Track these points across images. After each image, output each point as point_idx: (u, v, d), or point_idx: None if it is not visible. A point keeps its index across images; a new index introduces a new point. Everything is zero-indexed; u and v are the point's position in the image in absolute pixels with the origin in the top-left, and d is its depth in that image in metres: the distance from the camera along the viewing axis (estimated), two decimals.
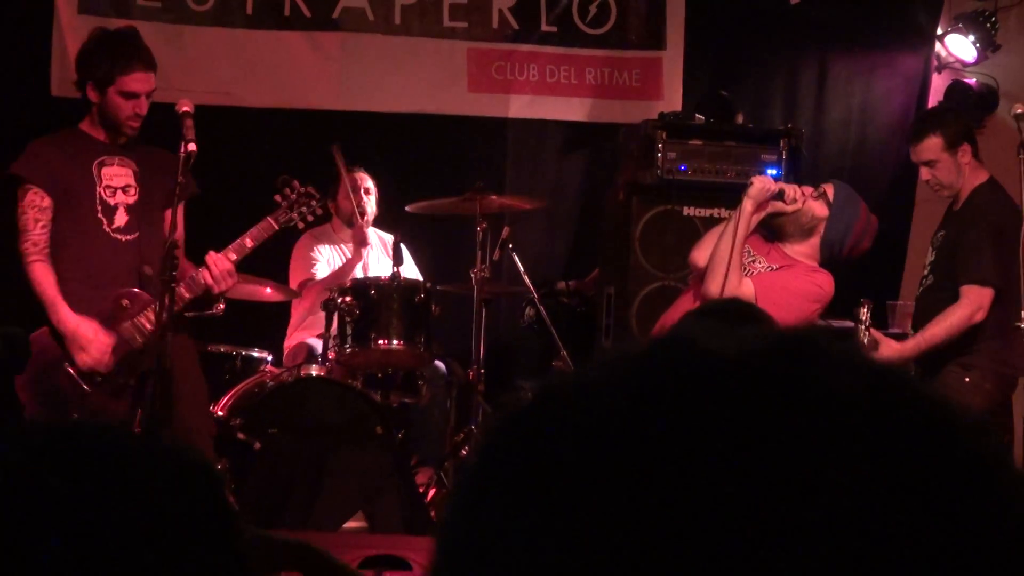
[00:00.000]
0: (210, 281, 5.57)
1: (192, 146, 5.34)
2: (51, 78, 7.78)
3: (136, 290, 5.62)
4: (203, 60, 8.02)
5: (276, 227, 5.80)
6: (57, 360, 5.54)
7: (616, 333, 7.00)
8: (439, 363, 6.92)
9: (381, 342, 6.31)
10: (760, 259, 5.68)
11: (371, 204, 7.40)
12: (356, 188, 7.31)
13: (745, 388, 0.74)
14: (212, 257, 5.60)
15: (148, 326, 5.54)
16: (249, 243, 5.72)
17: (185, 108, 5.44)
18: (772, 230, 5.74)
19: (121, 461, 1.19)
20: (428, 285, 6.50)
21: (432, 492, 6.42)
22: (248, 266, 6.16)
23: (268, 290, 6.71)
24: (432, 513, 6.14)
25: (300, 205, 5.86)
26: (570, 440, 0.74)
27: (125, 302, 5.60)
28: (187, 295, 5.56)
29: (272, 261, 7.04)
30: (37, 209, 5.58)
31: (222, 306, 5.73)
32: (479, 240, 6.56)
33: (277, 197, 5.86)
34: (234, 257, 5.66)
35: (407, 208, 6.84)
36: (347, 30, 8.20)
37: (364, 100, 8.21)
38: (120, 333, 5.58)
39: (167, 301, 5.23)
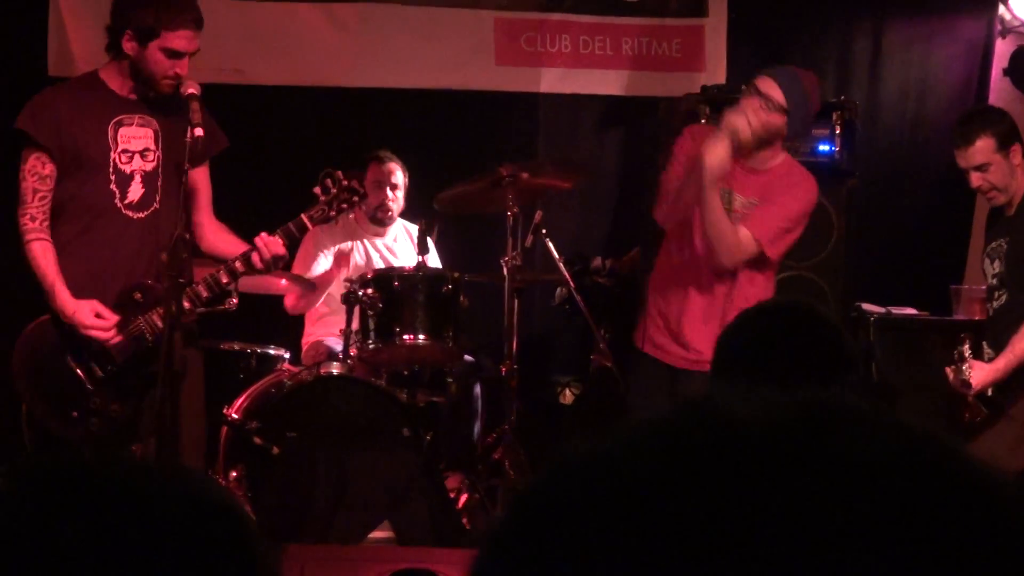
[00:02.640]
0: (260, 265, 5.38)
1: (199, 131, 5.17)
2: (48, 57, 7.69)
3: (150, 282, 5.41)
4: (211, 35, 7.74)
5: (310, 225, 5.56)
6: (58, 352, 5.39)
7: None
8: (469, 358, 6.79)
9: (406, 337, 6.18)
10: (735, 195, 5.54)
11: (399, 201, 7.29)
12: (378, 181, 7.21)
13: (774, 463, 0.76)
14: (264, 239, 5.37)
15: (160, 323, 5.28)
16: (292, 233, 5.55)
17: (191, 90, 5.25)
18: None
19: (140, 505, 1.13)
20: (456, 275, 6.37)
21: (463, 498, 6.29)
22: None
23: (283, 282, 6.59)
24: (464, 521, 6.02)
25: (341, 201, 5.59)
26: (592, 518, 0.77)
27: (137, 295, 5.40)
28: (204, 294, 5.39)
29: (288, 251, 6.94)
30: (37, 177, 5.37)
31: (235, 301, 5.59)
32: (510, 226, 6.42)
33: (317, 190, 5.58)
34: (284, 241, 5.49)
35: (434, 204, 6.68)
36: (366, 1, 8.08)
37: (384, 76, 8.09)
38: (130, 330, 5.39)
39: (176, 300, 5.04)
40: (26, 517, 1.11)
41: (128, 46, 5.35)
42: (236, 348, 6.45)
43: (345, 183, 5.57)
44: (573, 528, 0.77)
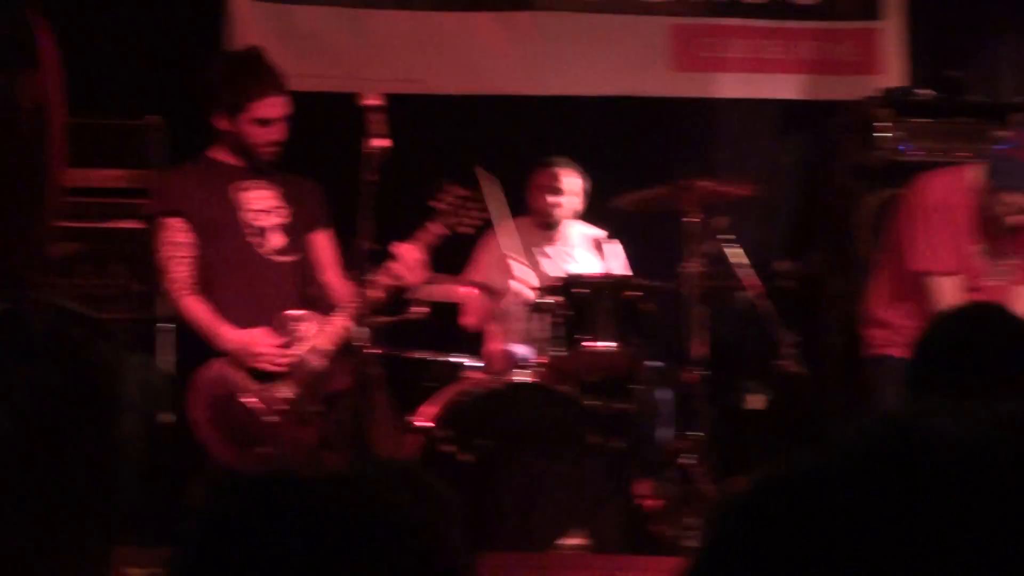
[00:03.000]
0: (403, 272, 5.41)
1: (382, 142, 5.24)
2: None
3: (304, 312, 5.51)
4: (386, 46, 8.00)
5: (443, 231, 5.59)
6: (232, 394, 5.45)
7: (840, 327, 6.82)
8: (656, 364, 6.74)
9: (594, 344, 6.17)
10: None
11: (568, 203, 7.28)
12: (544, 185, 7.22)
13: (978, 479, 0.74)
14: (401, 247, 5.44)
15: (327, 347, 5.42)
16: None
17: (373, 101, 5.31)
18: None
19: (346, 519, 1.16)
20: (641, 282, 6.35)
21: (653, 505, 6.24)
22: (445, 263, 6.09)
23: (468, 290, 6.61)
24: (654, 528, 5.99)
25: (462, 209, 5.62)
26: (793, 532, 0.77)
27: (292, 323, 5.51)
28: (386, 281, 5.45)
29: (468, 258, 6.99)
30: (172, 245, 5.50)
31: (425, 309, 5.64)
32: (691, 232, 6.38)
33: (435, 202, 5.61)
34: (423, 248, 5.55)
35: (613, 204, 6.67)
36: (540, 9, 8.10)
37: (560, 84, 8.10)
38: (300, 359, 5.46)
39: (365, 308, 5.10)
40: (243, 531, 1.14)
41: (221, 123, 5.54)
42: (423, 357, 6.46)
43: (462, 194, 5.61)
44: (779, 546, 0.77)
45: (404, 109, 6.76)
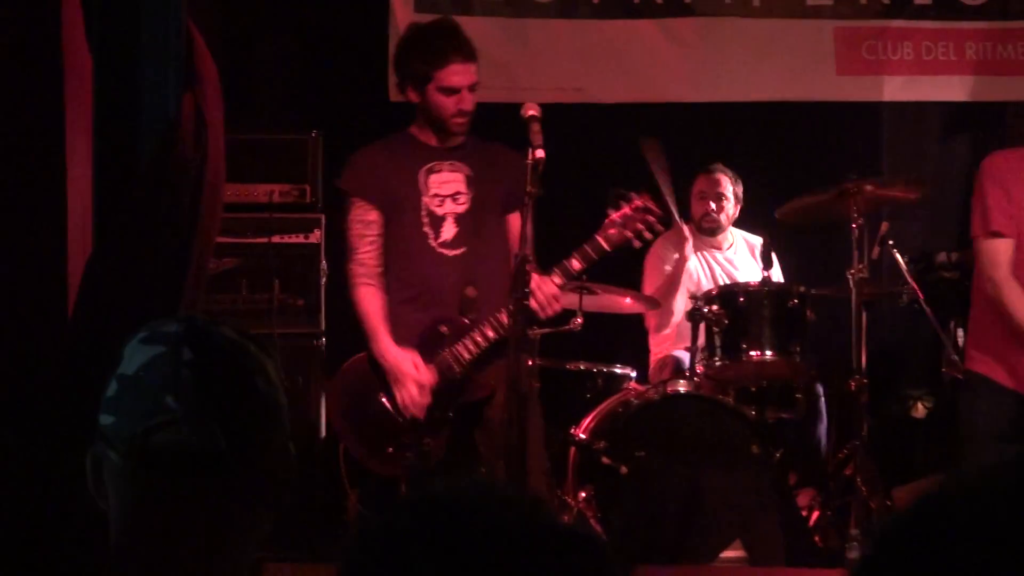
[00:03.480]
0: (535, 307, 5.22)
1: (540, 152, 5.03)
2: (389, 83, 7.89)
3: (455, 316, 5.47)
4: (549, 55, 8.04)
5: (607, 247, 5.42)
6: (372, 390, 5.48)
7: None
8: (817, 373, 6.69)
9: (753, 353, 6.16)
10: None
11: (727, 208, 7.27)
12: (703, 192, 7.24)
13: None
14: (536, 281, 5.19)
15: (466, 355, 5.40)
16: (576, 264, 5.40)
17: (531, 112, 5.15)
18: None
19: (506, 538, 1.17)
20: (801, 289, 6.30)
21: (815, 515, 6.17)
22: (605, 273, 6.09)
23: (627, 300, 6.63)
24: (816, 539, 5.94)
25: (635, 221, 5.44)
26: (953, 554, 0.77)
27: (444, 328, 5.46)
28: (491, 334, 5.41)
29: (630, 268, 6.98)
30: (362, 224, 5.52)
31: (579, 320, 5.63)
32: (855, 238, 6.28)
33: (609, 211, 5.48)
34: (559, 281, 5.37)
35: (776, 214, 6.62)
36: (703, 15, 8.09)
37: (723, 90, 8.09)
38: (437, 363, 5.44)
39: (518, 322, 4.97)
40: (410, 552, 1.15)
41: (413, 96, 5.51)
42: (582, 368, 6.48)
43: (638, 203, 5.46)
44: (937, 567, 0.78)
45: (564, 118, 6.81)
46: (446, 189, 5.52)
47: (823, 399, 6.85)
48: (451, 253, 5.49)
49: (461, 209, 5.51)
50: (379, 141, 5.72)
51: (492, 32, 7.93)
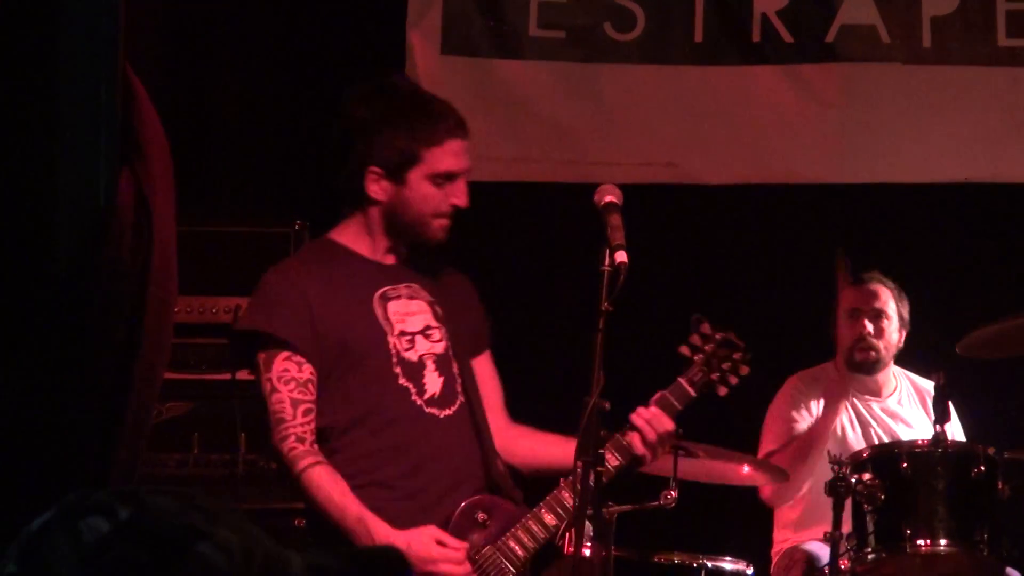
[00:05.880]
0: (641, 450, 5.28)
1: (622, 255, 4.92)
2: None
3: (492, 496, 5.36)
4: (631, 115, 8.10)
5: (693, 393, 5.43)
6: None
7: None
8: (1013, 572, 6.69)
9: (920, 542, 6.16)
10: None
11: (889, 334, 7.29)
12: (855, 310, 7.26)
13: None
14: (645, 415, 5.29)
15: (521, 553, 5.24)
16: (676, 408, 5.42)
17: (609, 198, 5.09)
18: None
19: None
20: (990, 452, 6.31)
21: None
22: (710, 427, 6.11)
23: (745, 469, 6.63)
24: None
25: (719, 360, 5.50)
26: None
27: (482, 515, 5.31)
28: (614, 463, 5.36)
29: (751, 417, 7.01)
30: (294, 385, 5.28)
31: (673, 494, 5.65)
32: None
33: (684, 349, 5.51)
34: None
35: (956, 348, 6.64)
36: (848, 60, 8.18)
37: (879, 167, 8.15)
38: (478, 561, 5.27)
39: (590, 489, 4.90)
40: None
41: (376, 188, 5.35)
42: (677, 561, 6.48)
43: (717, 336, 5.52)
44: None
45: (650, 204, 6.86)
46: (412, 324, 5.44)
47: None
48: (444, 413, 5.39)
49: (440, 349, 5.44)
50: (292, 261, 5.68)
51: (550, 83, 8.02)
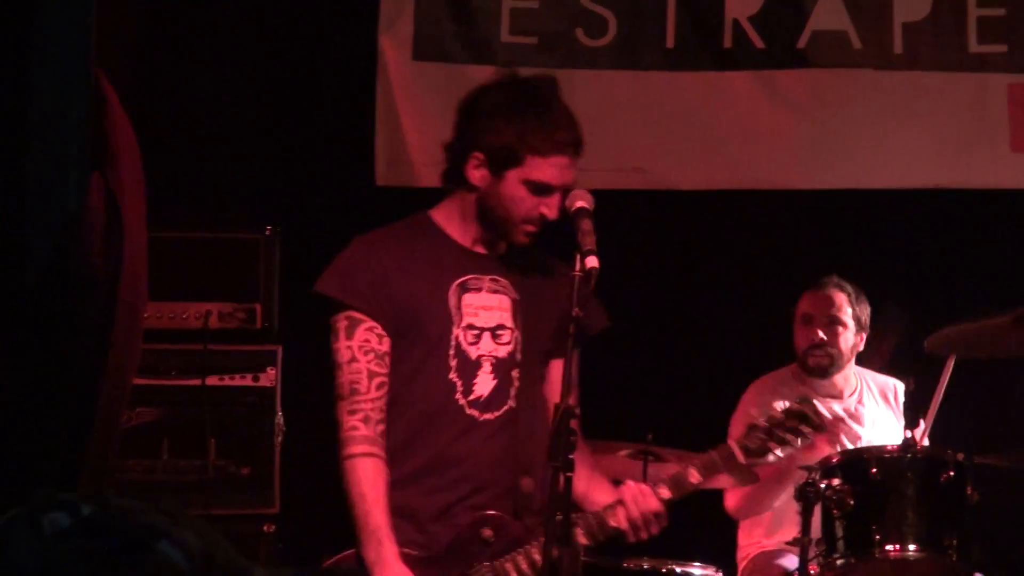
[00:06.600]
0: (624, 526, 5.17)
1: (592, 261, 4.88)
2: (376, 159, 7.97)
3: (504, 516, 5.22)
4: (602, 121, 8.05)
5: (743, 459, 5.35)
6: None
7: None
8: None
9: (890, 548, 6.16)
10: None
11: (844, 339, 7.33)
12: (809, 315, 7.32)
13: None
14: (633, 493, 5.19)
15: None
16: (695, 478, 5.25)
17: (580, 203, 5.06)
18: None
19: None
20: (960, 457, 6.34)
21: None
22: (679, 431, 6.13)
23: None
24: None
25: (787, 430, 5.39)
26: None
27: (487, 532, 5.18)
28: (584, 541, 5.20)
29: (720, 421, 7.04)
30: (373, 356, 5.22)
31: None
32: None
33: (755, 411, 5.52)
34: (667, 496, 5.25)
35: (924, 344, 6.69)
36: (820, 65, 8.23)
37: (850, 173, 8.19)
38: None
39: (561, 496, 4.85)
40: None
41: (476, 175, 5.25)
42: (646, 567, 6.50)
43: (795, 408, 5.43)
44: None
45: (620, 209, 6.88)
46: (485, 319, 5.33)
47: None
48: (484, 416, 5.26)
49: (503, 352, 5.32)
50: (384, 232, 5.44)
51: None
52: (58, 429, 3.42)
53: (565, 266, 5.08)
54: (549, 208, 5.17)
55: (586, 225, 4.99)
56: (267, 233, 6.96)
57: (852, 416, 7.29)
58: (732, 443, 5.31)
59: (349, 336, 5.21)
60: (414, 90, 7.92)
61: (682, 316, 7.83)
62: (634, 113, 8.17)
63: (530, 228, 5.23)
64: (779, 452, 5.36)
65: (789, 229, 8.03)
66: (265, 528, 6.62)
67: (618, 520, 5.16)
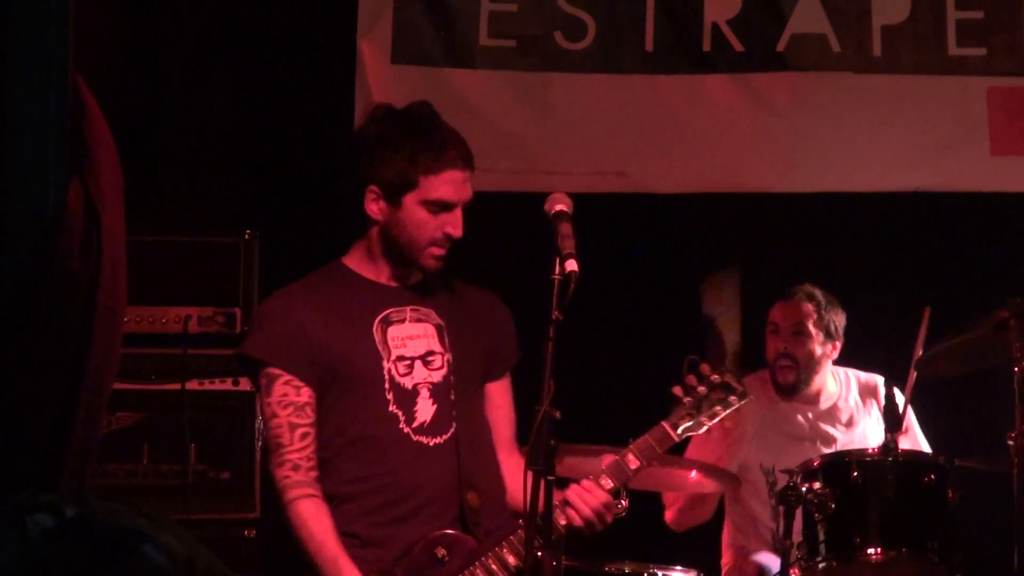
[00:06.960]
0: (578, 523, 5.24)
1: (572, 264, 4.88)
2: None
3: (454, 532, 5.28)
4: (581, 124, 8.10)
5: (676, 437, 5.41)
6: None
7: None
8: None
9: (872, 551, 6.16)
10: None
11: (810, 349, 7.33)
12: (775, 325, 7.34)
13: None
14: (577, 491, 5.25)
15: None
16: (634, 463, 5.34)
17: (559, 207, 5.05)
18: None
19: None
20: (941, 460, 6.34)
21: None
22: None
23: (693, 474, 6.66)
24: None
25: (713, 403, 5.48)
26: None
27: (440, 552, 5.23)
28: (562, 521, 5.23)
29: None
30: (293, 409, 5.31)
31: (624, 503, 5.63)
32: (1017, 388, 6.32)
33: (677, 390, 5.46)
34: (610, 485, 5.30)
35: (913, 366, 6.68)
36: (800, 68, 8.23)
37: (829, 176, 8.18)
38: None
39: (542, 507, 4.85)
40: None
41: (375, 208, 5.35)
42: (627, 571, 6.49)
43: (716, 378, 5.49)
44: None
45: (600, 214, 6.87)
46: (412, 348, 5.42)
47: None
48: (432, 442, 5.36)
49: (438, 377, 5.41)
50: (298, 283, 5.55)
51: (500, 92, 8.04)
52: (37, 434, 3.41)
53: (479, 291, 5.49)
54: (453, 227, 5.30)
55: (565, 229, 5.00)
56: (247, 237, 6.97)
57: (829, 420, 7.28)
58: (664, 424, 5.37)
59: (268, 393, 5.35)
60: (392, 93, 7.86)
61: (662, 320, 7.83)
62: (613, 116, 8.14)
63: (437, 251, 5.35)
64: (709, 423, 5.45)
65: (768, 233, 8.03)
66: (246, 533, 6.62)
67: (569, 518, 5.23)
